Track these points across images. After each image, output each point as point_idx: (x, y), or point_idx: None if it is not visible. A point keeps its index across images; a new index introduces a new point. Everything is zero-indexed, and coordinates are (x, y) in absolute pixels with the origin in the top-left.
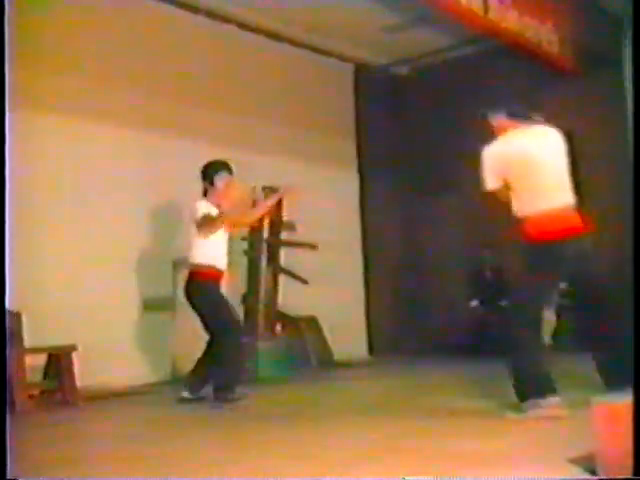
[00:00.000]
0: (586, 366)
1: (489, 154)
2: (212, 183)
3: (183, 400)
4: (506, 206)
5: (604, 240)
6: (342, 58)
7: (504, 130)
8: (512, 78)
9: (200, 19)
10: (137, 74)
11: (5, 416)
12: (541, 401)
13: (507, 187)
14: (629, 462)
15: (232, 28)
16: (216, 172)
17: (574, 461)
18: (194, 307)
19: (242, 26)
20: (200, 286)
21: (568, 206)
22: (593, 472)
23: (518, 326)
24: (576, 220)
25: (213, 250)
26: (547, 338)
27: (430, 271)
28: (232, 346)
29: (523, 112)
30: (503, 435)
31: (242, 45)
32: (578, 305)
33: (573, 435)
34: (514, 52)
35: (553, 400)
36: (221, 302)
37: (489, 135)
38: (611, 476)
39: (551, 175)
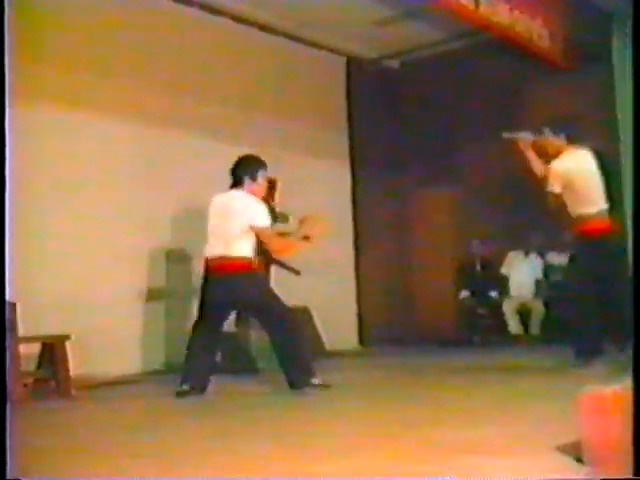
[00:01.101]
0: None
1: (559, 167)
2: (254, 178)
3: (182, 393)
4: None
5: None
6: (334, 51)
7: (561, 150)
8: (502, 72)
9: (194, 12)
10: (129, 66)
11: (5, 416)
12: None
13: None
14: (614, 450)
15: (225, 21)
16: (260, 168)
17: (562, 449)
18: (250, 302)
19: (235, 19)
20: (257, 279)
21: (605, 211)
22: (580, 460)
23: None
24: (610, 222)
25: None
26: (536, 329)
27: (421, 262)
28: (299, 331)
29: (572, 136)
30: (491, 424)
31: (235, 38)
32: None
33: (561, 424)
34: (505, 46)
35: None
36: (274, 291)
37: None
38: (597, 463)
39: (596, 186)
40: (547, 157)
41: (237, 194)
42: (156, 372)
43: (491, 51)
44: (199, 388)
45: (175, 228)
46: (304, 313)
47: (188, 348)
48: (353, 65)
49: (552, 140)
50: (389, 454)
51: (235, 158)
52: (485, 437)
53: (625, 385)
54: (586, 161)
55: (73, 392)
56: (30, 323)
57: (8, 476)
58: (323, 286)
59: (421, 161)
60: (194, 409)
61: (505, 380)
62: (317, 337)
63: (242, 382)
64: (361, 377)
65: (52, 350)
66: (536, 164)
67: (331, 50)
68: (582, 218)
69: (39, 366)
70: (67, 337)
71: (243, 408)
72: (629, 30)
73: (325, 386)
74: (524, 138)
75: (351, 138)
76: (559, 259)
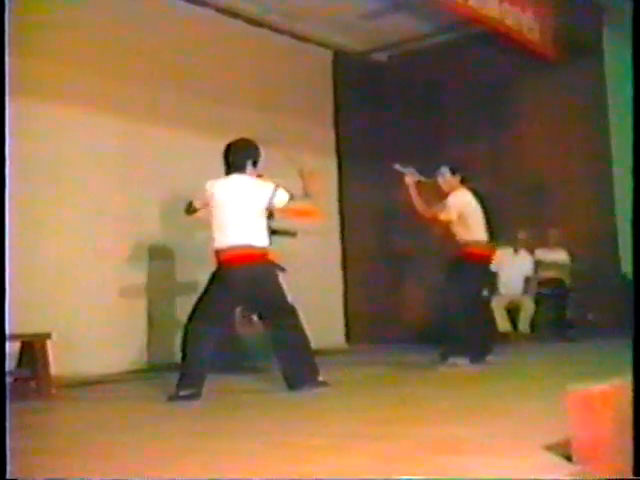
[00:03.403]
0: (563, 354)
1: (458, 200)
2: (255, 164)
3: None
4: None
5: (584, 231)
6: (321, 44)
7: (454, 188)
8: (492, 65)
9: (179, 4)
10: (113, 61)
11: (5, 416)
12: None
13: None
14: (603, 448)
15: (211, 13)
16: (259, 152)
17: (550, 448)
18: (265, 296)
19: (221, 11)
20: (273, 270)
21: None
22: (569, 458)
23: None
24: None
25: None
26: (525, 326)
27: (408, 259)
28: (304, 328)
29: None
30: (478, 422)
31: (221, 31)
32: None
33: (550, 422)
34: (494, 39)
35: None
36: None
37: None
38: (585, 461)
39: (479, 220)
40: (440, 193)
41: (244, 179)
42: (138, 371)
43: (480, 44)
44: (198, 394)
45: (158, 225)
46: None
47: (189, 348)
48: (340, 58)
49: (449, 179)
50: (375, 453)
51: (219, 152)
52: (472, 435)
53: (614, 383)
54: (474, 199)
55: (53, 392)
56: (10, 321)
57: (8, 476)
58: (310, 283)
59: (408, 155)
60: (179, 408)
61: (493, 378)
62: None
63: (232, 380)
64: (347, 375)
65: (32, 349)
66: (417, 201)
67: (318, 43)
68: (468, 244)
69: (19, 365)
70: (48, 335)
71: (231, 407)
72: (620, 23)
73: (325, 383)
74: (411, 175)
75: (337, 132)
76: (548, 255)
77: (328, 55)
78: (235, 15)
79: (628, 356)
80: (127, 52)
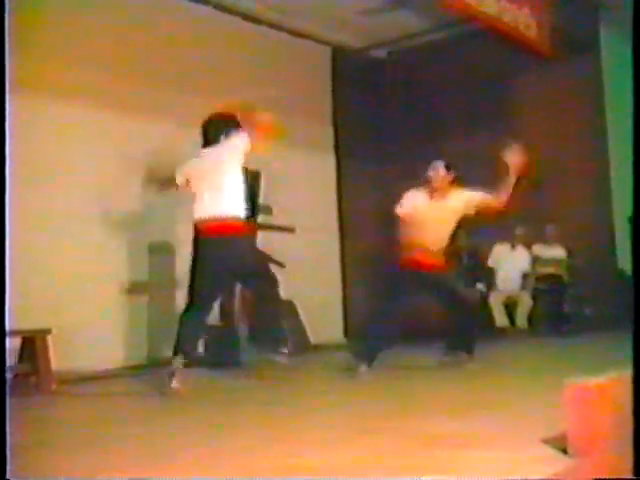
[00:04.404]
0: (560, 349)
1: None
2: (228, 135)
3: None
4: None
5: (581, 227)
6: (320, 41)
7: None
8: (490, 62)
9: (178, 1)
10: (111, 56)
11: (5, 416)
12: None
13: None
14: (600, 441)
15: (209, 10)
16: (235, 127)
17: (547, 441)
18: (249, 266)
19: (219, 8)
20: (253, 242)
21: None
22: (565, 451)
23: None
24: None
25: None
26: (523, 322)
27: None
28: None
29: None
30: (476, 416)
31: (219, 27)
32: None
33: (547, 416)
34: (492, 36)
35: None
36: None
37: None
38: (582, 455)
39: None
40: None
41: (217, 149)
42: (139, 366)
43: (478, 41)
44: (189, 364)
45: (158, 220)
46: (289, 306)
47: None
48: (339, 55)
49: (443, 176)
50: (371, 447)
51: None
52: (470, 429)
53: (610, 377)
54: None
55: (54, 387)
56: (10, 317)
57: (8, 475)
58: (309, 279)
59: (407, 152)
60: (177, 403)
61: (491, 372)
62: (302, 330)
63: (228, 375)
64: (345, 370)
65: (33, 344)
66: None
67: (316, 40)
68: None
69: (20, 360)
70: (48, 331)
71: (229, 401)
72: (616, 19)
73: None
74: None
75: (336, 129)
76: (545, 251)
77: (327, 51)
78: (233, 12)
79: (625, 350)
80: (125, 49)
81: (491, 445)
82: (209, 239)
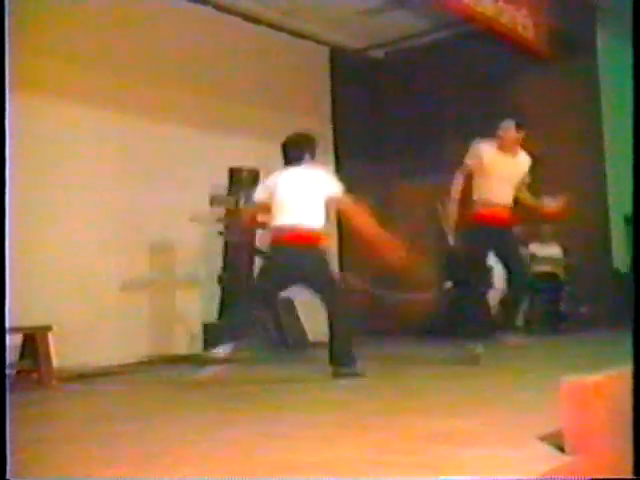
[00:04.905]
0: (557, 347)
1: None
2: (312, 156)
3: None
4: None
5: (577, 226)
6: (319, 41)
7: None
8: (488, 63)
9: (178, 1)
10: (112, 57)
11: (5, 416)
12: None
13: None
14: (596, 438)
15: (208, 10)
16: (315, 145)
17: (544, 439)
18: (322, 273)
19: (219, 8)
20: (324, 252)
21: None
22: (561, 449)
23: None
24: None
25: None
26: (520, 320)
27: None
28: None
29: None
30: (472, 414)
31: (219, 27)
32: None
33: (544, 413)
34: (490, 37)
35: None
36: None
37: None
38: (578, 452)
39: None
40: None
41: (303, 170)
42: (139, 363)
43: (476, 42)
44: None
45: (159, 218)
46: (287, 303)
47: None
48: (337, 55)
49: (513, 135)
50: (369, 444)
51: (217, 148)
52: (467, 427)
53: (607, 374)
54: None
55: (55, 383)
56: (11, 314)
57: (8, 475)
58: None
59: (406, 152)
60: (176, 400)
61: (487, 370)
62: (300, 329)
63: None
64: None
65: (34, 341)
66: None
67: (315, 40)
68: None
69: (21, 357)
70: (49, 328)
71: (227, 397)
72: (612, 20)
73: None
74: None
75: (335, 128)
76: (542, 250)
77: (326, 52)
78: (233, 12)
79: (621, 348)
80: (126, 49)
81: (488, 443)
82: (289, 247)
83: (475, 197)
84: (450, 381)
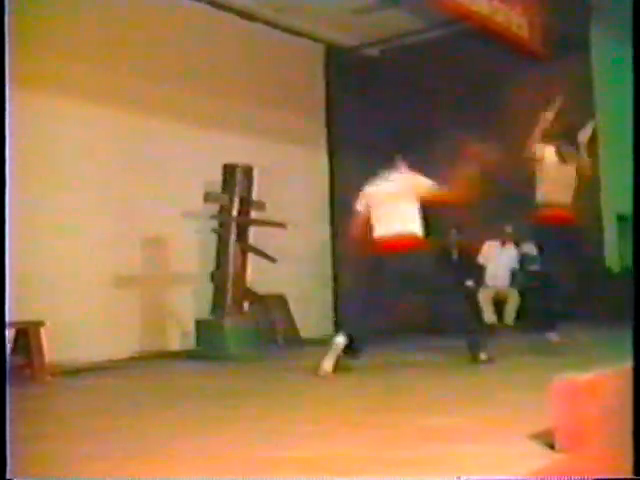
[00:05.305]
0: (549, 345)
1: None
2: (405, 158)
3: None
4: None
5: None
6: (313, 39)
7: None
8: (482, 61)
9: None
10: (104, 52)
11: (5, 416)
12: None
13: None
14: (587, 436)
15: (203, 7)
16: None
17: (534, 436)
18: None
19: (214, 5)
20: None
21: None
22: (552, 447)
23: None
24: None
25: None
26: (511, 318)
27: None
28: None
29: None
30: (464, 411)
31: (213, 24)
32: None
33: (535, 411)
34: (485, 35)
35: None
36: None
37: None
38: (569, 450)
39: None
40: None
41: (394, 175)
42: (131, 359)
43: (471, 40)
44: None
45: (151, 215)
46: (280, 300)
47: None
48: (332, 52)
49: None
50: (362, 440)
51: (212, 144)
52: (458, 424)
53: (600, 373)
54: None
55: (48, 378)
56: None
57: (8, 475)
58: (299, 273)
59: (399, 150)
60: (168, 395)
61: (479, 368)
62: (292, 324)
63: (219, 368)
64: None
65: (26, 336)
66: None
67: (310, 37)
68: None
69: (13, 352)
70: (42, 323)
71: (218, 394)
72: (606, 19)
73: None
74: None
75: (329, 126)
76: (534, 249)
77: (321, 49)
78: (229, 9)
79: (613, 347)
80: (122, 45)
81: (480, 440)
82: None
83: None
84: (439, 378)
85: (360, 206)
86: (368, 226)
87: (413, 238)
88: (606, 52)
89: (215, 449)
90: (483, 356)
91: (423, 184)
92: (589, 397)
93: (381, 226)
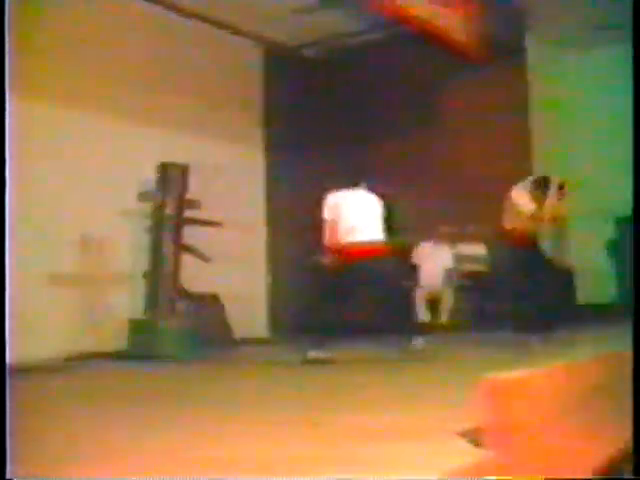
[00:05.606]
0: (481, 344)
1: None
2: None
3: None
4: None
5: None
6: (252, 38)
7: None
8: (421, 64)
9: None
10: (42, 45)
11: (5, 416)
12: None
13: None
14: (514, 435)
15: (140, 2)
16: None
17: (462, 435)
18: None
19: (153, 2)
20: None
21: None
22: (479, 445)
23: None
24: None
25: None
26: (445, 317)
27: None
28: None
29: None
30: (393, 410)
31: (154, 21)
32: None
33: (465, 410)
34: (423, 39)
35: None
36: None
37: None
38: (496, 448)
39: None
40: None
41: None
42: (64, 359)
43: (411, 43)
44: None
45: (91, 216)
46: (214, 299)
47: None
48: (271, 52)
49: None
50: (291, 440)
51: (149, 143)
52: (386, 423)
53: (530, 371)
54: None
55: None
56: None
57: (8, 475)
58: (234, 274)
59: (337, 151)
60: (97, 396)
61: (411, 367)
62: (226, 324)
63: (152, 369)
64: (268, 363)
65: None
66: None
67: (249, 36)
68: None
69: None
70: None
71: (152, 396)
72: (541, 25)
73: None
74: None
75: (267, 125)
76: (468, 249)
77: (260, 49)
78: (169, 6)
79: (550, 346)
80: (51, 39)
81: (408, 438)
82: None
83: None
84: (371, 377)
85: (328, 214)
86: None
87: (379, 246)
88: (541, 56)
89: (143, 450)
90: (418, 349)
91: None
92: (516, 396)
93: (348, 235)
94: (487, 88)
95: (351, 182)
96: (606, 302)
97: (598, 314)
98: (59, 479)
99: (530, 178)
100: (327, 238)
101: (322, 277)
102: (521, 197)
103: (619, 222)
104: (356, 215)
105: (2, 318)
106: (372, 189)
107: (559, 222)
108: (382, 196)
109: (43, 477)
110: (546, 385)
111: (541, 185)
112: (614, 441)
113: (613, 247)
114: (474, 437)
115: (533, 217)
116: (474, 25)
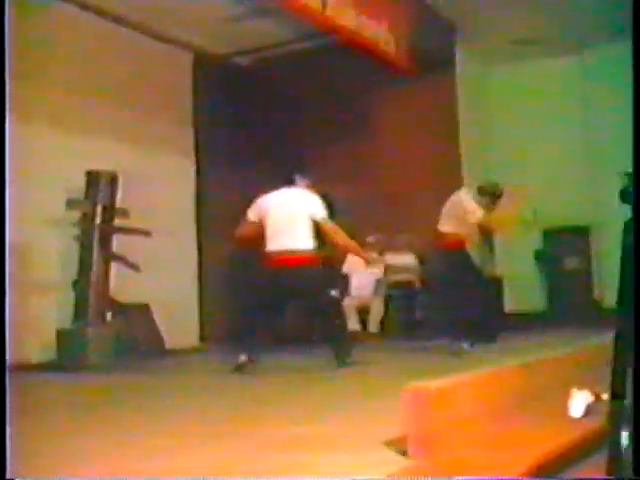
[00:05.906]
0: (410, 353)
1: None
2: (305, 176)
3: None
4: None
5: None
6: (182, 46)
7: None
8: (351, 74)
9: None
10: None
11: (5, 416)
12: None
13: None
14: (437, 443)
15: (72, 8)
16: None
17: (389, 444)
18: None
19: (80, 5)
20: (318, 270)
21: None
22: (405, 453)
23: None
24: None
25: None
26: (375, 326)
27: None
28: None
29: None
30: (320, 420)
31: (81, 25)
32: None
33: (393, 419)
34: (353, 50)
35: None
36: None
37: None
38: (420, 456)
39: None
40: None
41: (293, 191)
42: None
43: (340, 53)
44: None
45: (13, 220)
46: (144, 309)
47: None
48: (202, 60)
49: None
50: (213, 452)
51: (76, 150)
52: (316, 433)
53: (452, 380)
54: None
55: None
56: None
57: (8, 475)
58: (164, 283)
59: (267, 160)
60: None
61: (341, 377)
62: (157, 334)
63: (78, 378)
64: (198, 374)
65: None
66: None
67: (179, 44)
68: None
69: None
70: None
71: (78, 405)
72: (470, 40)
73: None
74: None
75: (197, 133)
76: (397, 259)
77: (189, 56)
78: (99, 12)
79: (473, 355)
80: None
81: (335, 448)
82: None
83: None
84: (300, 388)
85: (252, 214)
86: (260, 236)
87: (305, 254)
88: (470, 70)
89: (69, 462)
90: (348, 361)
91: (317, 214)
92: (439, 404)
93: (273, 241)
94: (416, 100)
95: (285, 180)
96: (532, 310)
97: (525, 322)
98: (59, 479)
99: (475, 185)
100: (238, 230)
101: (252, 284)
102: (469, 203)
103: (546, 232)
104: (283, 218)
105: (2, 318)
106: (308, 185)
107: (506, 230)
108: (323, 196)
109: (43, 477)
110: (471, 392)
111: (488, 192)
112: (543, 446)
113: (540, 256)
114: (400, 446)
115: (480, 224)
116: (403, 38)
